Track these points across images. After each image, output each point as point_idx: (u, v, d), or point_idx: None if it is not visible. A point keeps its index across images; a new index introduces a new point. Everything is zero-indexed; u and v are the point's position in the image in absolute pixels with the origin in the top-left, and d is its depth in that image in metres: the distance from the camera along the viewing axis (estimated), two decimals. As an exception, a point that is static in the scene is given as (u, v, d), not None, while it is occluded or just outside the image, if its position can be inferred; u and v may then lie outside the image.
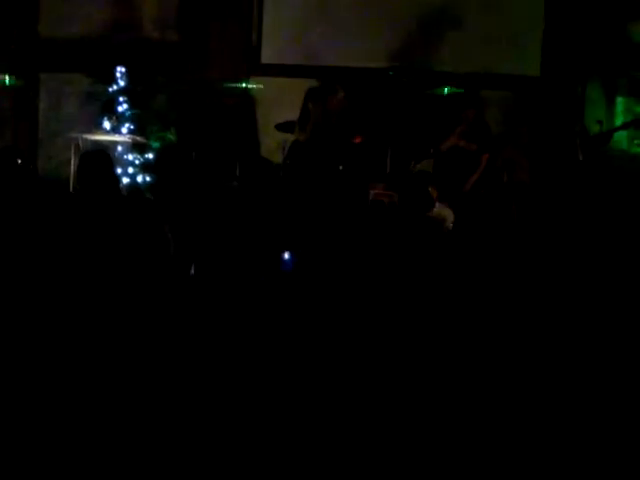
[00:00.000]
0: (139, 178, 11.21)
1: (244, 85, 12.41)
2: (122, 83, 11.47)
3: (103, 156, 7.04)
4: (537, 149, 11.91)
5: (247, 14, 12.51)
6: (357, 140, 9.98)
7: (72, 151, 10.76)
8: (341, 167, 10.64)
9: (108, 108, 11.44)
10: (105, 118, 11.36)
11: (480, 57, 12.51)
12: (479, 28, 12.48)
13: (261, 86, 12.55)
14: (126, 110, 11.42)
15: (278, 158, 11.38)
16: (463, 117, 10.96)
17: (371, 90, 12.29)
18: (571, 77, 12.55)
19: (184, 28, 12.25)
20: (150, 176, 11.27)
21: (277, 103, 12.40)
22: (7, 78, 11.53)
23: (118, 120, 11.32)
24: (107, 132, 11.29)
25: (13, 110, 11.68)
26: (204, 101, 12.06)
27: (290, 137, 11.37)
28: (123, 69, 11.46)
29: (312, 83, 11.72)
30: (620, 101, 12.08)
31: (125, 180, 11.08)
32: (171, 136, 11.62)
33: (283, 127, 11.51)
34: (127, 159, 11.22)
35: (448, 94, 11.45)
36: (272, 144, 12.01)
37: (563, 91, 11.90)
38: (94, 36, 11.80)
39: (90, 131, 11.33)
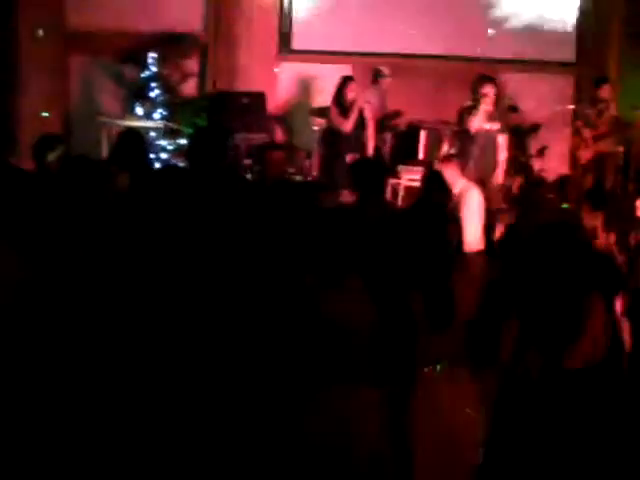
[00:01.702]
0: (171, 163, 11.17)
1: (275, 70, 12.36)
2: (154, 68, 11.44)
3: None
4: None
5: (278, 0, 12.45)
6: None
7: (103, 136, 10.76)
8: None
9: (140, 93, 11.41)
10: (137, 103, 11.34)
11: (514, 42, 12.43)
12: (512, 13, 12.39)
13: (292, 71, 12.49)
14: (158, 96, 11.39)
15: (310, 144, 11.34)
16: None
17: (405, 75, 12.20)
18: (606, 62, 12.45)
19: (214, 14, 12.19)
20: (183, 162, 11.22)
21: (309, 89, 12.37)
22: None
23: (150, 105, 11.29)
24: (139, 117, 11.27)
25: (46, 95, 11.64)
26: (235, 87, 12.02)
27: (322, 123, 11.35)
28: (155, 54, 11.42)
29: (345, 69, 11.67)
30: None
31: (157, 165, 11.04)
32: (202, 122, 11.57)
33: (317, 112, 11.50)
34: (159, 144, 11.19)
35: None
36: (305, 130, 11.94)
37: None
38: (124, 22, 11.74)
39: (122, 116, 11.33)
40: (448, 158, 9.16)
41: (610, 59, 12.48)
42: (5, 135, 11.35)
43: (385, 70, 11.38)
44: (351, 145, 10.46)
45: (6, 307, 3.82)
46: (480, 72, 10.57)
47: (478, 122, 9.85)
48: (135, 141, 7.28)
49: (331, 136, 10.59)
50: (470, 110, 9.95)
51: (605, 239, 6.55)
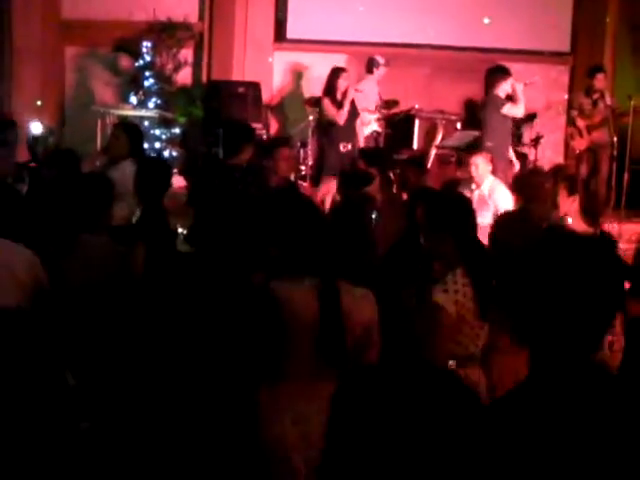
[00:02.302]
0: (166, 153, 11.16)
1: (270, 60, 12.34)
2: (148, 58, 11.42)
3: None
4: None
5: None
6: None
7: (98, 126, 10.73)
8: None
9: (134, 83, 11.40)
10: (132, 93, 11.33)
11: (510, 32, 12.41)
12: (508, 4, 12.36)
13: (287, 61, 12.47)
14: (152, 85, 11.37)
15: (305, 134, 11.32)
16: None
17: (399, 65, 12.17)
18: (601, 52, 12.44)
19: (210, 3, 12.17)
20: (177, 151, 11.23)
21: (303, 78, 12.35)
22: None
23: (145, 95, 11.28)
24: (133, 107, 11.25)
25: (40, 86, 11.62)
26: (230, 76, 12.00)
27: (316, 112, 11.32)
28: (149, 44, 11.40)
29: (339, 58, 11.65)
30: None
31: (151, 155, 11.03)
32: (197, 111, 11.56)
33: (312, 102, 11.46)
34: (154, 134, 11.17)
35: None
36: (299, 119, 11.92)
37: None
38: (118, 11, 11.70)
39: (116, 105, 11.31)
40: (480, 149, 9.15)
41: (605, 49, 12.46)
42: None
43: (380, 59, 11.33)
44: (345, 135, 10.43)
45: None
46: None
47: None
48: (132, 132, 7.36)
49: (325, 126, 10.56)
50: None
51: (579, 225, 6.58)
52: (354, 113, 10.45)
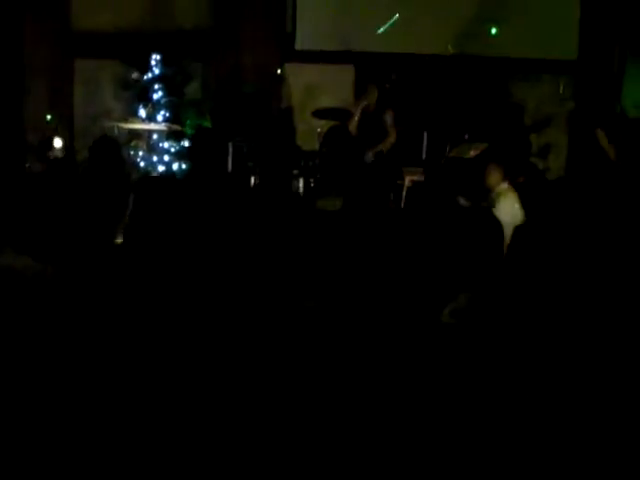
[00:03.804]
0: (174, 166, 11.22)
1: (278, 72, 12.38)
2: (157, 70, 11.47)
3: None
4: (577, 135, 11.79)
5: (281, 1, 12.46)
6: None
7: (108, 139, 10.79)
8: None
9: (143, 95, 11.45)
10: (141, 106, 11.39)
11: (518, 42, 12.41)
12: (516, 14, 12.36)
13: (295, 72, 12.52)
14: (161, 97, 11.43)
15: (314, 145, 11.36)
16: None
17: (408, 76, 12.22)
18: (608, 61, 12.43)
19: (218, 15, 12.21)
20: (186, 163, 11.29)
21: (311, 90, 12.37)
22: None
23: (153, 108, 11.33)
24: (142, 120, 11.31)
25: (49, 98, 11.70)
26: (238, 88, 12.03)
27: (325, 124, 11.38)
28: (158, 56, 11.46)
29: (347, 69, 11.69)
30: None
31: (160, 168, 11.10)
32: (207, 123, 11.61)
33: (320, 114, 11.50)
34: (162, 147, 11.23)
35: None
36: (307, 131, 11.96)
37: (600, 75, 11.75)
38: (127, 24, 11.76)
39: (126, 119, 11.37)
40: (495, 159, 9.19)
41: (613, 59, 12.46)
42: (11, 137, 11.46)
43: (393, 75, 11.31)
44: (355, 146, 10.48)
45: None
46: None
47: None
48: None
49: (335, 137, 10.60)
50: None
51: None
52: (378, 128, 10.57)
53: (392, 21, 11.67)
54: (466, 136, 11.80)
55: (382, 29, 11.59)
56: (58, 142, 9.98)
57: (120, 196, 6.27)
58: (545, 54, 12.52)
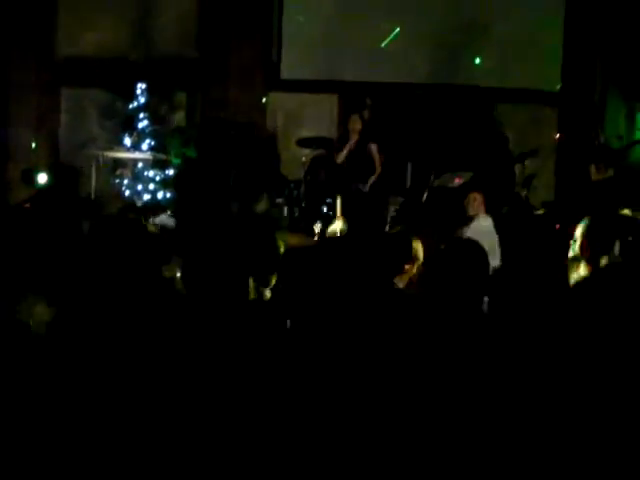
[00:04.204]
0: (159, 194, 11.23)
1: (263, 100, 12.43)
2: (142, 99, 11.49)
3: None
4: (561, 164, 11.86)
5: (266, 30, 12.52)
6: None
7: (93, 167, 10.79)
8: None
9: (129, 124, 11.46)
10: (126, 134, 11.39)
11: (501, 72, 12.51)
12: (499, 44, 12.45)
13: (280, 101, 12.56)
14: (146, 126, 11.44)
15: (299, 174, 11.39)
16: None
17: (392, 105, 12.28)
18: (590, 92, 12.53)
19: (203, 44, 12.26)
20: (171, 192, 11.29)
21: (296, 119, 12.42)
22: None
23: (138, 136, 11.34)
24: (127, 148, 11.32)
25: (34, 126, 11.70)
26: (224, 117, 12.06)
27: (309, 153, 11.42)
28: (143, 85, 11.48)
29: (332, 98, 11.74)
30: (640, 115, 12.03)
31: (146, 196, 11.11)
32: (191, 152, 11.63)
33: (304, 143, 11.54)
34: (148, 175, 11.23)
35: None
36: (292, 160, 12.00)
37: (583, 106, 11.84)
38: (112, 52, 11.77)
39: (111, 147, 11.38)
40: (477, 187, 9.24)
41: (594, 89, 12.57)
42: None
43: (368, 100, 11.33)
44: (341, 176, 10.53)
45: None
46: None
47: None
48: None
49: (320, 166, 10.63)
50: None
51: None
52: (364, 159, 10.62)
53: (393, 35, 11.74)
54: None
55: (384, 43, 11.65)
56: (43, 177, 9.99)
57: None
58: (529, 84, 12.62)
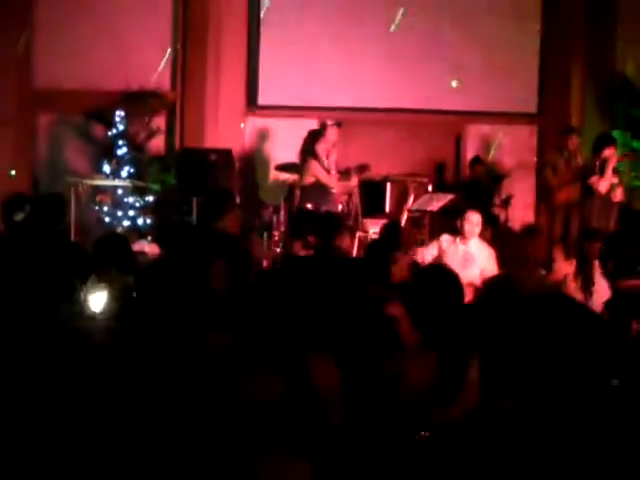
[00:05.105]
0: (139, 221, 11.21)
1: (242, 126, 12.46)
2: (121, 126, 11.49)
3: None
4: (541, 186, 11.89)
5: (244, 57, 12.59)
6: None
7: (72, 195, 10.74)
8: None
9: (108, 151, 11.46)
10: (105, 161, 11.38)
11: (478, 95, 12.60)
12: (476, 67, 12.55)
13: (259, 127, 12.61)
14: (125, 153, 11.43)
15: (277, 199, 11.40)
16: None
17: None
18: (566, 113, 12.62)
19: (182, 73, 12.31)
20: (150, 218, 11.28)
21: (274, 144, 12.45)
22: None
23: (118, 163, 11.34)
24: (107, 176, 11.30)
25: (12, 155, 11.67)
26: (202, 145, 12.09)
27: (288, 177, 11.42)
28: (122, 113, 11.49)
29: (310, 124, 11.75)
30: (617, 134, 12.08)
31: (125, 223, 11.09)
32: (171, 179, 11.64)
33: (284, 168, 11.55)
34: (127, 202, 11.22)
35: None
36: (270, 185, 12.04)
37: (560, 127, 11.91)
38: (90, 82, 11.76)
39: (90, 175, 11.37)
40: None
41: (572, 110, 12.66)
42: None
43: (329, 121, 11.25)
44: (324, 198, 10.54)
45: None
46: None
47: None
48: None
49: (308, 190, 10.58)
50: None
51: (574, 288, 6.57)
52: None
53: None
54: (429, 188, 11.93)
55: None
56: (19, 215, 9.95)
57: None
58: (507, 107, 12.72)
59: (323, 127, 11.10)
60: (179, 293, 3.89)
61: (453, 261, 7.84)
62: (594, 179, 10.32)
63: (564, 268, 6.73)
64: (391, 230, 9.12)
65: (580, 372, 2.33)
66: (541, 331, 2.37)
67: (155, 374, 3.52)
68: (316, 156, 10.31)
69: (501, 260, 7.99)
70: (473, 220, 8.42)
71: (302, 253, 7.74)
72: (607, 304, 5.43)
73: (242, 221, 7.81)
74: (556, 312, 2.40)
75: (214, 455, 3.23)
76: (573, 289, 6.56)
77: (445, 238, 8.56)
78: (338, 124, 11.02)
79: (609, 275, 6.55)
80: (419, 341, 4.28)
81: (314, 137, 10.50)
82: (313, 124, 11.84)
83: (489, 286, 5.18)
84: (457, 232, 8.52)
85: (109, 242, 6.47)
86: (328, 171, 10.30)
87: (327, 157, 10.39)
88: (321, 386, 3.59)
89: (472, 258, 8.27)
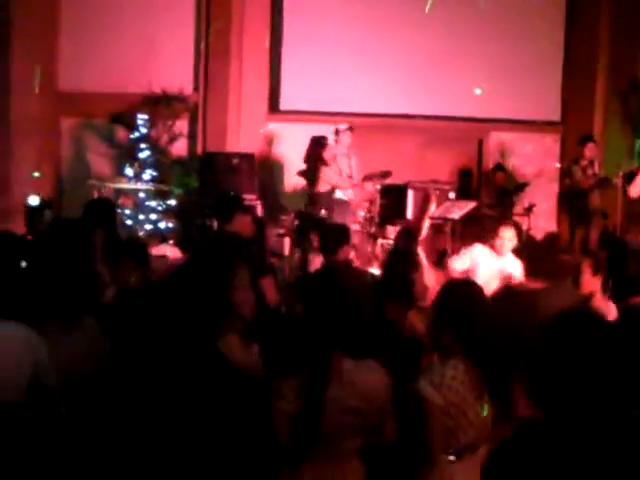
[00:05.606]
0: (161, 224, 11.22)
1: (261, 131, 12.47)
2: (144, 130, 11.50)
3: None
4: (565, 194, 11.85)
5: (267, 62, 12.60)
6: None
7: (94, 198, 10.76)
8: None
9: (130, 155, 11.47)
10: (127, 165, 11.40)
11: (501, 103, 12.57)
12: (499, 75, 12.52)
13: (280, 132, 12.60)
14: (148, 157, 11.44)
15: (299, 204, 11.41)
16: None
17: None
18: (589, 122, 12.59)
19: (204, 77, 12.32)
20: (172, 222, 11.28)
21: (296, 149, 12.43)
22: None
23: (140, 167, 11.35)
24: (129, 179, 11.32)
25: (37, 158, 11.71)
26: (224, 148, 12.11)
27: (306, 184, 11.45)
28: (145, 116, 11.50)
29: (331, 129, 11.76)
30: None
31: (147, 226, 11.10)
32: (193, 182, 11.66)
33: (303, 174, 11.57)
34: (149, 205, 11.23)
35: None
36: (292, 191, 12.05)
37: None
38: (113, 87, 11.79)
39: (112, 178, 11.40)
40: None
41: (595, 117, 12.63)
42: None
43: (341, 126, 11.28)
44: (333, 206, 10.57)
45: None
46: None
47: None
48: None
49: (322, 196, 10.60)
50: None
51: (604, 305, 6.46)
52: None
53: None
54: (451, 195, 11.89)
55: None
56: (34, 199, 9.96)
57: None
58: (530, 115, 12.70)
59: (336, 132, 11.19)
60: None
61: (487, 274, 7.77)
62: None
63: (592, 284, 6.62)
64: (406, 237, 8.92)
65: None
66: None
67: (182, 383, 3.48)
68: (325, 163, 10.38)
69: (533, 271, 7.84)
70: (506, 236, 8.26)
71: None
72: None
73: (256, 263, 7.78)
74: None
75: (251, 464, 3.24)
76: (601, 305, 6.45)
77: (478, 249, 8.36)
78: (350, 128, 11.08)
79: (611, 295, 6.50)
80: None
81: (319, 145, 10.56)
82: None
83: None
84: (483, 240, 8.45)
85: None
86: (345, 175, 10.35)
87: (344, 160, 10.43)
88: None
89: (509, 275, 8.07)
